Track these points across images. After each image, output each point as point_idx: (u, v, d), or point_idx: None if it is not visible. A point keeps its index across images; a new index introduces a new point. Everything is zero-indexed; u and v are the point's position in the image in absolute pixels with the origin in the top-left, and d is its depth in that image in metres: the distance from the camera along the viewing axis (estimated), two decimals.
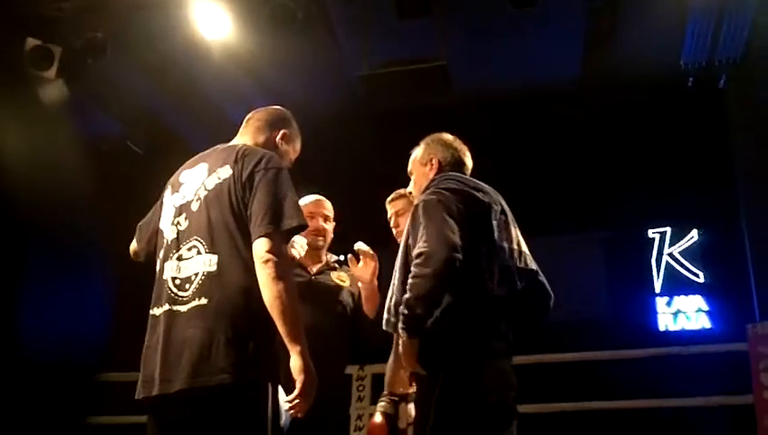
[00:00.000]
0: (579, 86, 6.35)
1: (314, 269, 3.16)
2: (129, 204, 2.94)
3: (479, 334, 2.44)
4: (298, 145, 2.56)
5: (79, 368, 5.19)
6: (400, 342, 2.42)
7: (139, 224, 2.46)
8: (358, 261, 3.07)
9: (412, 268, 2.36)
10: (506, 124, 6.49)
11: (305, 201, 3.22)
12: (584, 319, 6.27)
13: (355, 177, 6.12)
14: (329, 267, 3.21)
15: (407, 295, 2.35)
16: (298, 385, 2.05)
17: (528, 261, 2.61)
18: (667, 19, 5.38)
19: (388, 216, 3.15)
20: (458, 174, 2.68)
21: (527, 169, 6.56)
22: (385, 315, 2.56)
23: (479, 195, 2.56)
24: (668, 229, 6.69)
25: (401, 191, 3.08)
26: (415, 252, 2.38)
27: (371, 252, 3.02)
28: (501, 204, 2.63)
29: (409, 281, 2.35)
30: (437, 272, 2.30)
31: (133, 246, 2.46)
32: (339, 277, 3.18)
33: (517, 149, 6.64)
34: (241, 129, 2.51)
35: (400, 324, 2.36)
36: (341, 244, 3.31)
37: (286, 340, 2.06)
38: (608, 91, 6.24)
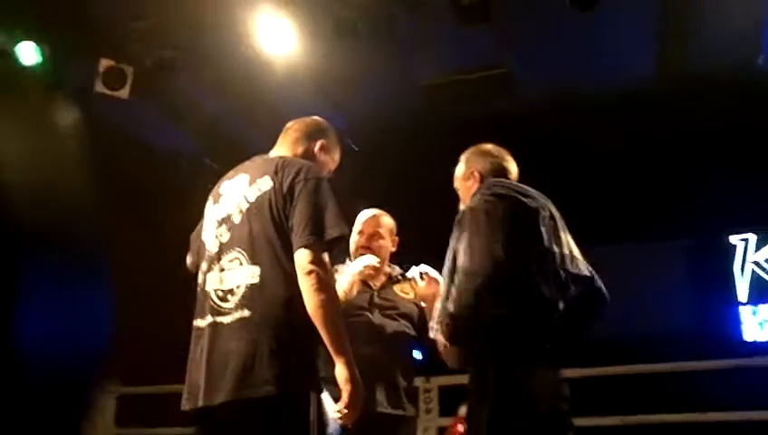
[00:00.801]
0: (652, 88, 6.14)
1: (377, 284, 3.15)
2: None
3: (531, 340, 2.41)
4: (337, 155, 2.56)
5: (77, 380, 5.28)
6: (440, 345, 2.45)
7: (191, 236, 2.48)
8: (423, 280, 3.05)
9: (456, 281, 2.38)
10: (575, 129, 6.32)
11: (361, 217, 3.25)
12: (666, 329, 6.12)
13: (421, 187, 6.08)
14: (392, 280, 3.19)
15: (450, 308, 2.37)
16: (344, 395, 2.05)
17: (581, 266, 2.59)
18: (744, 16, 5.16)
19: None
20: (504, 180, 2.68)
21: (601, 176, 6.41)
22: (433, 325, 2.56)
23: (526, 200, 2.56)
24: (752, 235, 6.41)
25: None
26: (459, 264, 2.39)
27: (435, 275, 2.98)
28: (549, 209, 2.62)
29: (453, 293, 2.37)
30: (480, 288, 2.32)
31: (188, 258, 2.48)
32: (402, 290, 3.17)
33: (588, 154, 6.47)
34: (279, 139, 2.51)
35: (440, 332, 2.40)
36: (410, 254, 3.28)
37: (331, 350, 2.06)
38: (683, 93, 6.02)
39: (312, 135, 2.48)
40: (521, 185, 2.68)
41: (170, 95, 5.80)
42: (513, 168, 2.79)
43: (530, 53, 5.57)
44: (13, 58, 5.02)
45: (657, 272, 6.55)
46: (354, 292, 2.95)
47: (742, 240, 6.49)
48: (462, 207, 2.85)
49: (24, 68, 5.04)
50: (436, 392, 4.97)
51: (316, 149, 2.46)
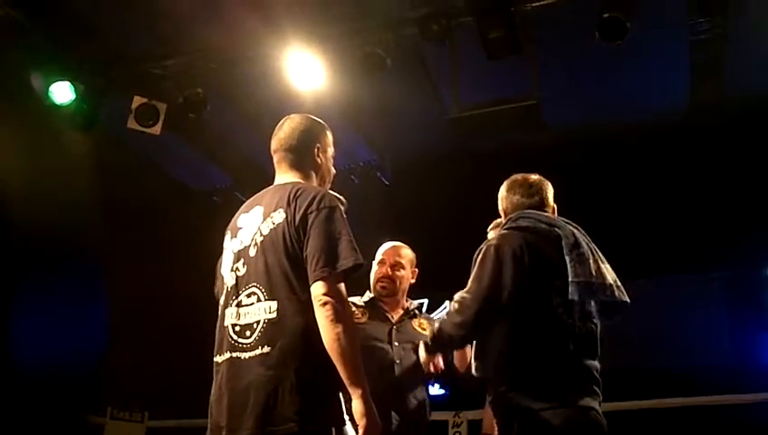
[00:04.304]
0: (685, 119, 6.07)
1: (395, 317, 3.18)
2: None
3: (556, 375, 2.38)
4: (330, 139, 2.48)
5: (69, 395, 5.27)
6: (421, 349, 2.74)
7: (217, 265, 2.46)
8: None
9: (450, 307, 2.50)
10: (607, 161, 6.29)
11: (382, 247, 3.27)
12: (703, 362, 6.01)
13: (450, 218, 6.06)
14: (409, 314, 3.21)
15: (436, 327, 2.60)
16: (360, 430, 2.04)
17: (617, 293, 2.56)
18: None
19: None
20: (533, 211, 2.65)
21: (636, 208, 6.34)
22: (473, 362, 2.59)
23: (552, 230, 2.55)
24: None
25: (498, 221, 3.06)
26: (457, 295, 2.48)
27: None
28: (575, 236, 2.57)
29: (444, 317, 2.52)
30: (466, 323, 2.46)
31: (215, 287, 2.46)
32: (420, 325, 3.19)
33: (622, 186, 6.41)
34: (277, 162, 2.42)
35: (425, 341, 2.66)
36: (438, 287, 3.26)
37: (347, 383, 2.04)
38: (718, 124, 5.95)
39: (306, 146, 2.38)
40: (548, 216, 2.65)
41: (202, 131, 5.87)
42: (542, 197, 2.73)
43: (560, 85, 5.55)
44: (46, 96, 5.12)
45: (693, 305, 6.46)
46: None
47: None
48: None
49: (58, 106, 5.13)
50: (465, 426, 4.95)
51: (318, 156, 2.40)
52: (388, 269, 3.19)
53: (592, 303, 2.50)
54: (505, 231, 2.56)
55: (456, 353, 3.02)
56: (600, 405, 2.44)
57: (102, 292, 5.55)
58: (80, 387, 5.53)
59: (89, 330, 5.43)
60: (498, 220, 3.10)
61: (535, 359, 2.38)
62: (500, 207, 2.79)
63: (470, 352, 2.73)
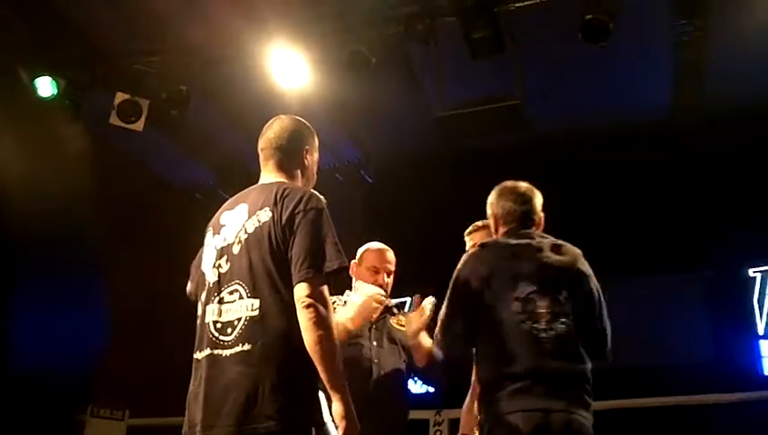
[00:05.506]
0: (669, 121, 6.13)
1: (374, 316, 3.12)
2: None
3: (520, 381, 2.42)
4: (317, 143, 2.50)
5: (65, 395, 5.27)
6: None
7: (193, 264, 2.46)
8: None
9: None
10: (590, 162, 6.32)
11: (369, 252, 3.23)
12: (684, 361, 6.05)
13: (435, 217, 6.07)
14: (388, 312, 3.20)
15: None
16: (340, 431, 2.05)
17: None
18: (759, 50, 5.15)
19: (467, 248, 3.12)
20: (498, 239, 2.73)
21: (618, 208, 6.37)
22: None
23: (516, 241, 2.63)
24: None
25: (479, 223, 3.11)
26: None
27: (428, 312, 2.99)
28: (544, 246, 2.63)
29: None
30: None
31: (188, 286, 2.46)
32: (398, 322, 3.19)
33: (604, 187, 6.45)
34: (263, 160, 2.42)
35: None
36: (417, 284, 3.27)
37: (327, 385, 2.06)
38: (699, 125, 6.00)
39: (295, 148, 2.39)
40: (525, 232, 2.69)
41: (185, 128, 5.85)
42: (532, 205, 2.74)
43: (543, 86, 5.58)
44: (32, 90, 5.11)
45: (675, 304, 6.49)
46: (360, 323, 2.91)
47: (760, 272, 6.41)
48: (477, 237, 3.06)
49: (42, 99, 5.12)
50: (446, 425, 4.95)
51: (306, 158, 2.41)
52: (384, 277, 3.16)
53: (563, 301, 2.52)
54: (469, 253, 2.68)
55: (414, 351, 3.06)
56: (571, 403, 2.42)
57: (101, 291, 5.50)
58: (74, 384, 5.49)
59: (88, 328, 5.40)
60: (477, 224, 3.14)
61: (499, 368, 2.46)
62: (489, 212, 2.79)
63: (428, 347, 2.91)
